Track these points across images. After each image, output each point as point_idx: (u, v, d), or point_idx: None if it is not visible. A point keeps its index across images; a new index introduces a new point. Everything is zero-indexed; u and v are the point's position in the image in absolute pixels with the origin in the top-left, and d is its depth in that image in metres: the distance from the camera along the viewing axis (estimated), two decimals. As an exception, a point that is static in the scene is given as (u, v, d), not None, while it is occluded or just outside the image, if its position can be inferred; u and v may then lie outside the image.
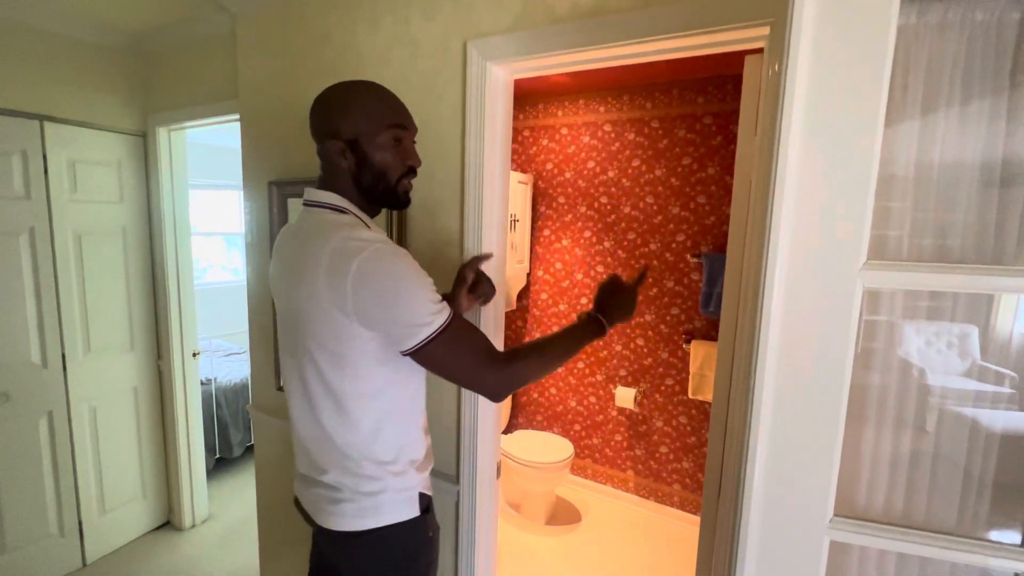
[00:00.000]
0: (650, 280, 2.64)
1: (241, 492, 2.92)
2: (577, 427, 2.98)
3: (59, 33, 2.02)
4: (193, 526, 2.55)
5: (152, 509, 2.50)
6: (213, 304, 4.27)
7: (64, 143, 2.03)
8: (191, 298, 2.47)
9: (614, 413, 2.85)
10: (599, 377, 2.87)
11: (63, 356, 2.09)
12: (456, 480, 1.38)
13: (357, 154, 0.92)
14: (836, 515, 0.77)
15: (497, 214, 1.30)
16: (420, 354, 0.87)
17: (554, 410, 3.05)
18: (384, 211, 1.26)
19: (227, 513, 2.70)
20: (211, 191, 4.39)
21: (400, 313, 0.84)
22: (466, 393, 1.33)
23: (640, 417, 2.76)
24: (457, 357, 0.90)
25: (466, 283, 1.18)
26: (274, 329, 1.71)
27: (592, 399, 2.91)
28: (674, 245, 2.58)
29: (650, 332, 2.69)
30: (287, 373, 1.00)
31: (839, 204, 0.70)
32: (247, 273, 1.83)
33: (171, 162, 2.34)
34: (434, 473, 1.40)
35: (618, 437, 2.85)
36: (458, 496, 1.38)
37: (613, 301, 1.06)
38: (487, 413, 1.34)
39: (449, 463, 1.41)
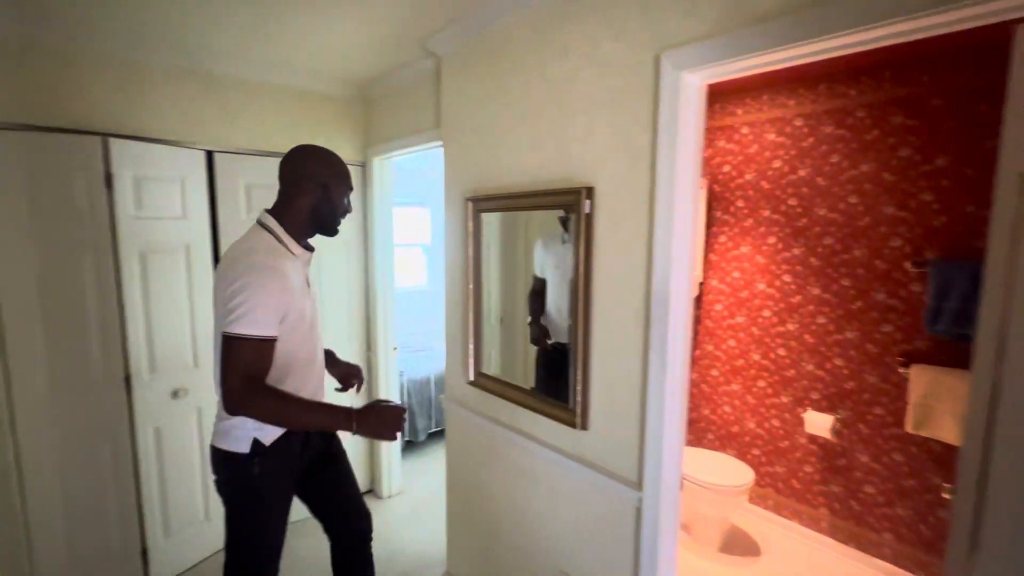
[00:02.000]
0: (852, 292, 2.30)
1: (426, 473, 3.31)
2: (755, 451, 2.72)
3: (309, 90, 2.56)
4: (390, 496, 2.97)
5: (361, 476, 2.97)
6: (398, 307, 4.91)
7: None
8: (393, 300, 2.90)
9: (803, 440, 2.53)
10: (784, 399, 2.59)
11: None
12: (638, 486, 1.39)
13: (325, 197, 1.35)
14: None
15: (688, 223, 1.28)
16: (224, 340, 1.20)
17: (728, 430, 2.83)
18: (573, 225, 1.43)
19: (415, 490, 3.08)
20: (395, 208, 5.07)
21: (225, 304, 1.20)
22: (651, 396, 1.32)
23: (838, 449, 2.41)
24: (229, 358, 1.18)
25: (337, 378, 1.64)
26: (475, 330, 1.92)
27: (775, 422, 2.63)
28: (886, 251, 2.21)
29: (852, 351, 2.33)
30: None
31: None
32: (445, 279, 2.09)
33: (382, 185, 2.79)
34: (611, 475, 1.43)
35: (808, 468, 2.52)
36: (640, 503, 1.38)
37: (376, 415, 1.28)
38: (674, 418, 1.32)
39: (630, 466, 1.42)
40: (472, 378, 1.95)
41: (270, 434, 1.33)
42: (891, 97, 2.16)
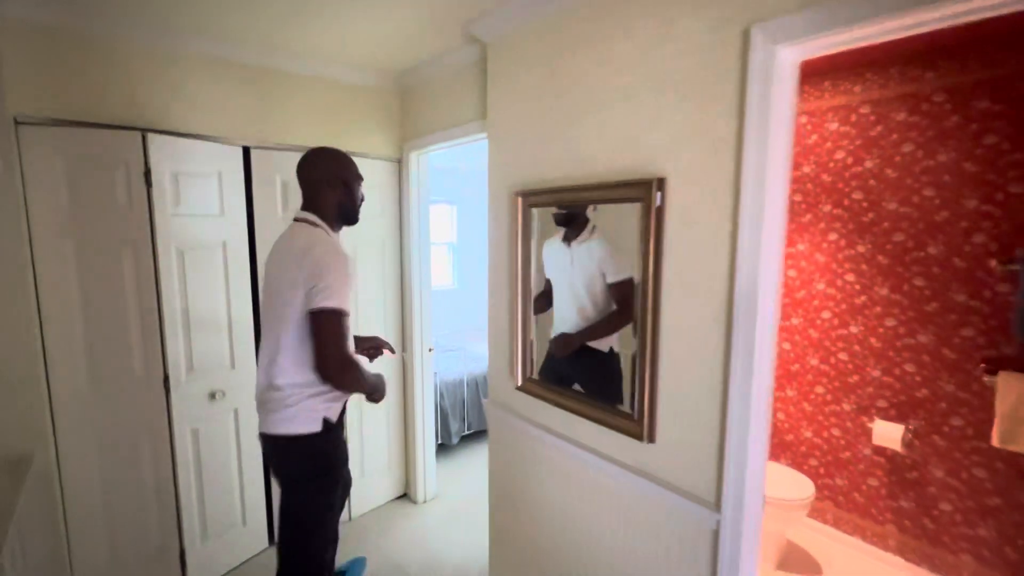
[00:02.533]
0: (927, 292, 2.13)
1: (460, 477, 3.22)
2: (813, 462, 2.56)
3: (343, 81, 2.49)
4: (425, 501, 2.89)
5: (395, 481, 2.90)
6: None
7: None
8: (429, 300, 2.81)
9: (867, 452, 2.36)
10: (846, 406, 2.42)
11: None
12: (715, 506, 1.26)
13: (347, 192, 1.51)
14: None
15: (781, 218, 1.15)
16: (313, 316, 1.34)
17: (781, 438, 2.67)
18: (643, 218, 1.31)
19: (450, 495, 2.99)
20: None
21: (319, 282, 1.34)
22: (733, 406, 1.19)
23: (909, 462, 2.23)
24: (326, 331, 1.33)
25: (365, 349, 1.73)
26: (523, 332, 1.81)
27: (835, 431, 2.46)
28: (967, 248, 2.03)
29: (925, 356, 2.15)
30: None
31: None
32: (489, 278, 1.98)
33: (419, 182, 2.71)
34: (684, 494, 1.31)
35: (873, 482, 2.35)
36: (717, 525, 1.25)
37: (383, 382, 1.56)
38: (759, 431, 1.20)
39: (706, 485, 1.29)
40: (520, 383, 1.84)
41: (335, 410, 1.46)
42: (976, 79, 1.97)
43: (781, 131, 1.12)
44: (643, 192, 1.34)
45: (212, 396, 2.15)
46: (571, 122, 1.57)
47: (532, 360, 1.80)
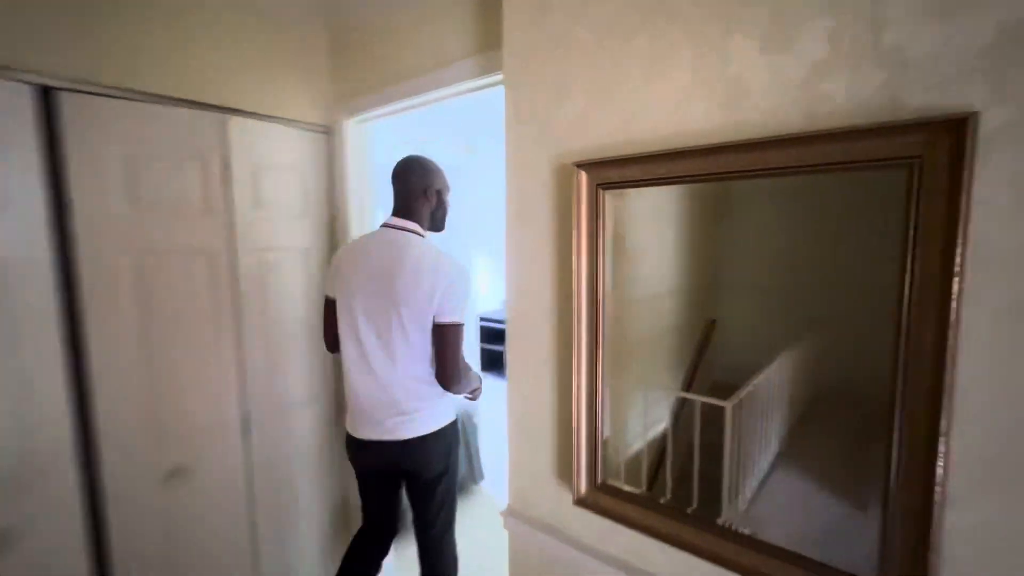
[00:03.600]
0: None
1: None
2: None
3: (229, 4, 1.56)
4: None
5: None
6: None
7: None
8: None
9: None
10: None
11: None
12: None
13: (439, 201, 1.55)
14: None
15: None
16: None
17: None
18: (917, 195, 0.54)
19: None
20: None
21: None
22: None
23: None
24: (455, 343, 1.42)
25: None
26: (588, 399, 1.04)
27: None
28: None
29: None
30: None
31: None
32: (509, 304, 1.20)
33: (361, 165, 1.83)
34: None
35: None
36: None
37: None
38: None
39: None
40: (584, 492, 1.07)
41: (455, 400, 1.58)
42: None
43: None
44: (923, 142, 0.65)
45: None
46: (696, 38, 0.85)
47: (613, 446, 1.05)
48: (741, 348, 0.89)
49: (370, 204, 1.86)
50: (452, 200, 1.61)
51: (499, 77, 1.24)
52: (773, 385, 0.84)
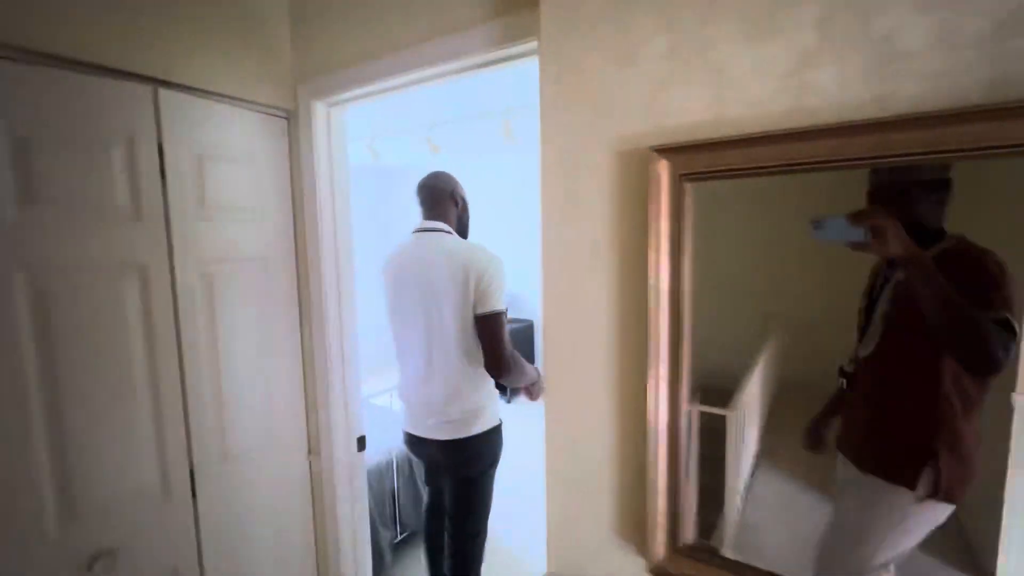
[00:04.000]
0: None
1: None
2: None
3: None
4: None
5: None
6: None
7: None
8: (355, 353, 1.64)
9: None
10: None
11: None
12: None
13: (464, 207, 1.65)
14: None
15: None
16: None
17: None
18: None
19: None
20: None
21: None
22: None
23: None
24: (499, 331, 1.45)
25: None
26: (669, 437, 0.83)
27: None
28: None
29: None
30: None
31: None
32: (544, 324, 0.97)
33: (331, 154, 1.53)
34: None
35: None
36: None
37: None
38: None
39: None
40: (663, 556, 0.87)
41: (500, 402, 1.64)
42: None
43: None
44: None
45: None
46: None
47: (701, 502, 0.85)
48: (719, 349, 0.85)
49: (344, 207, 1.55)
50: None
51: (529, 46, 1.02)
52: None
